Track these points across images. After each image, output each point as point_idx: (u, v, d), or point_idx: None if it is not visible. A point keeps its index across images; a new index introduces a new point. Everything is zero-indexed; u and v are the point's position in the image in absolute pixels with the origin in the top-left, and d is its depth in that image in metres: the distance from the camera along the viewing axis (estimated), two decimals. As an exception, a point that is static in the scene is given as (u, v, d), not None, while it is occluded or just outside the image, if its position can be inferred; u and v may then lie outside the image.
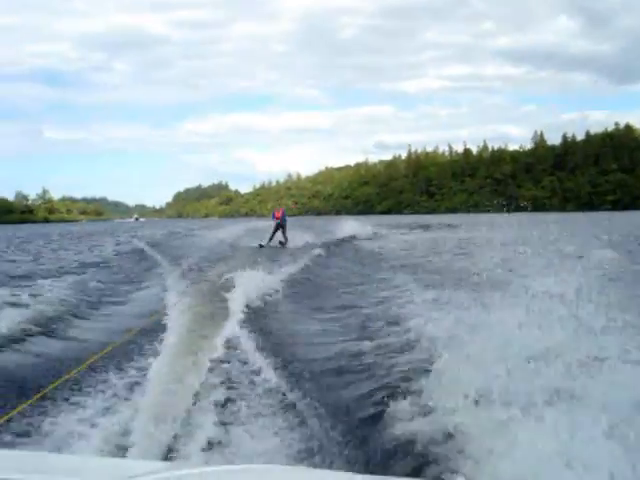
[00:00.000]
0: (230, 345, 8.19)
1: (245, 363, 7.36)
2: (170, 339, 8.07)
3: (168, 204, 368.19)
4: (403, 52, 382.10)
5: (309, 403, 5.77)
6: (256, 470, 1.68)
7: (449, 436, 4.44)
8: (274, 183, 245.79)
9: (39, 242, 44.53)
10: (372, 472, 4.33)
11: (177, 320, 9.28)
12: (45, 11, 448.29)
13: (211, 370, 6.93)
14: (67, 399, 6.15)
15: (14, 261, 26.00)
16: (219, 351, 7.74)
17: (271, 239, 29.52)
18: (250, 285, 12.46)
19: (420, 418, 4.98)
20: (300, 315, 11.45)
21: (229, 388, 6.39)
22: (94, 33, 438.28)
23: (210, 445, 4.86)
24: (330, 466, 4.36)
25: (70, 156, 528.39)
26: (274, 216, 30.51)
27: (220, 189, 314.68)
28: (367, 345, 8.03)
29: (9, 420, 5.41)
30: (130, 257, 26.90)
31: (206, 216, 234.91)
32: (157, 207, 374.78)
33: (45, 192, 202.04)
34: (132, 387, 6.46)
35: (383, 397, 5.71)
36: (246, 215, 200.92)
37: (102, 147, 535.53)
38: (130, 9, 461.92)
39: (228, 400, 5.98)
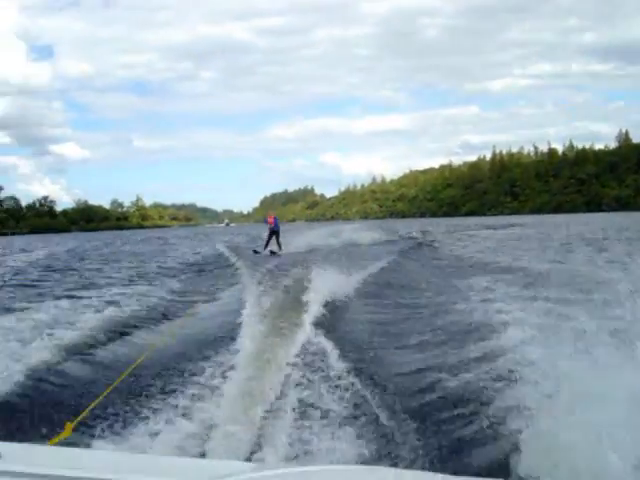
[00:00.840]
0: (308, 346, 8.06)
1: (324, 365, 7.20)
2: (248, 340, 8.14)
3: (255, 209, 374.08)
4: (486, 51, 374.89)
5: (388, 406, 5.66)
6: (339, 471, 1.66)
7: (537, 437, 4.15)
8: (359, 187, 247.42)
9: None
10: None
11: (255, 323, 9.36)
12: (132, 23, 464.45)
13: (289, 371, 6.87)
14: (147, 400, 6.17)
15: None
16: (296, 351, 7.70)
17: (266, 246, 28.55)
18: (329, 285, 12.36)
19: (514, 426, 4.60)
20: (379, 313, 11.15)
21: (307, 389, 6.29)
22: (180, 43, 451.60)
23: (288, 446, 4.81)
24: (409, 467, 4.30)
25: (158, 163, 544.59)
26: (266, 222, 29.97)
27: (306, 193, 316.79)
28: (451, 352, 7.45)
29: (96, 418, 5.48)
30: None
31: (293, 220, 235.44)
32: (244, 212, 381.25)
33: (138, 199, 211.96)
34: (212, 388, 6.45)
35: (467, 400, 5.52)
36: (332, 219, 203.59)
37: (189, 154, 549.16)
38: (214, 18, 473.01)
39: (306, 400, 5.92)
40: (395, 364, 7.34)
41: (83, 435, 5.07)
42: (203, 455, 4.69)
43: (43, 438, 4.79)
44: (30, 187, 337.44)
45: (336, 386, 6.35)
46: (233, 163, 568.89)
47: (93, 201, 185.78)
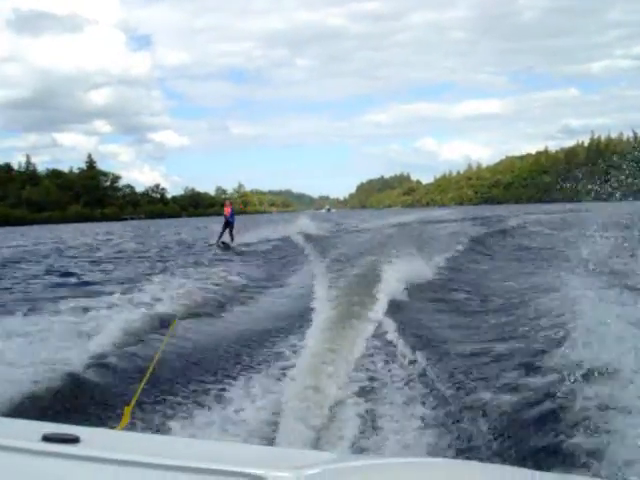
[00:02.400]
0: (379, 335, 8.03)
1: (395, 355, 7.14)
2: (318, 326, 8.15)
3: (351, 195, 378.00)
4: (586, 32, 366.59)
5: (461, 397, 5.52)
6: (423, 463, 1.59)
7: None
8: (454, 173, 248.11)
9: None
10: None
11: (325, 308, 9.42)
12: (229, 12, 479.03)
13: (359, 359, 6.88)
14: (217, 390, 6.14)
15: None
16: (366, 342, 7.63)
17: (220, 237, 27.20)
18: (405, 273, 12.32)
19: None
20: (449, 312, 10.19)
21: (374, 379, 6.24)
22: (276, 31, 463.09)
23: (359, 437, 4.75)
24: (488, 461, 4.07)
25: (254, 150, 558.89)
26: (225, 212, 27.58)
27: (402, 180, 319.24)
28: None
29: (174, 407, 5.53)
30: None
31: (389, 206, 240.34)
32: (341, 198, 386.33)
33: (240, 186, 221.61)
34: (280, 375, 6.51)
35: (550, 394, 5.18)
36: (427, 205, 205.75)
37: (284, 141, 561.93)
38: (310, 5, 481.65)
39: (376, 389, 5.90)
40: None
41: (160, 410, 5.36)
42: (273, 439, 4.64)
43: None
44: (130, 174, 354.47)
45: (408, 376, 6.26)
46: (328, 149, 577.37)
47: (184, 187, 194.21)
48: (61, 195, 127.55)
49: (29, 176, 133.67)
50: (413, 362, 6.76)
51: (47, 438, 1.35)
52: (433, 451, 4.37)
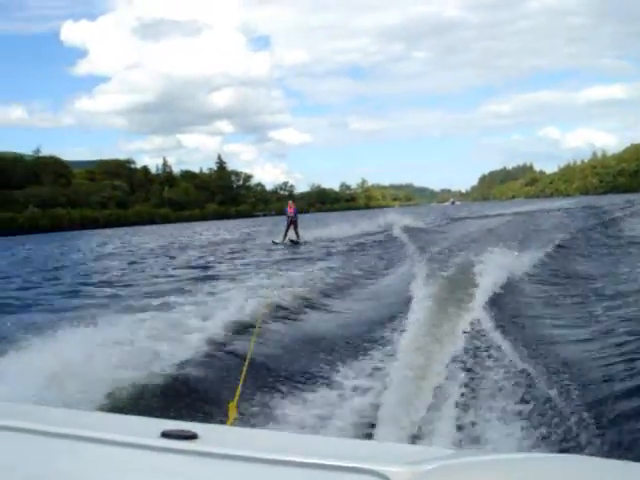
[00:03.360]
0: (477, 329, 7.79)
1: (493, 348, 6.88)
2: (415, 318, 8.10)
3: (473, 187, 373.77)
4: None
5: (565, 392, 5.24)
6: (542, 459, 1.48)
7: None
8: (578, 162, 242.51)
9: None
10: None
11: (423, 300, 9.24)
12: (345, 9, 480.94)
13: (456, 354, 6.62)
14: (317, 382, 6.14)
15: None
16: (463, 336, 7.44)
17: (285, 236, 28.03)
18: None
19: None
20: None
21: (475, 372, 6.03)
22: (391, 25, 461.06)
23: (460, 430, 4.65)
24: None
25: (374, 145, 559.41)
26: (287, 211, 28.96)
27: (525, 170, 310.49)
28: None
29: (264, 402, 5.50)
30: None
31: (512, 198, 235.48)
32: (462, 191, 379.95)
33: (363, 181, 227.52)
34: (379, 368, 6.50)
35: None
36: (551, 195, 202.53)
37: (404, 134, 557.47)
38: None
39: (476, 383, 5.72)
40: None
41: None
42: (373, 433, 4.64)
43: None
44: (253, 172, 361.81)
45: (507, 372, 5.98)
46: (448, 142, 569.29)
47: (306, 184, 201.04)
48: (198, 195, 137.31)
49: (166, 178, 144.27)
50: (514, 356, 6.48)
51: (166, 434, 1.39)
52: (536, 446, 4.23)
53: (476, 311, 8.64)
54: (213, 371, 6.37)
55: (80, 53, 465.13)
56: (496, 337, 7.30)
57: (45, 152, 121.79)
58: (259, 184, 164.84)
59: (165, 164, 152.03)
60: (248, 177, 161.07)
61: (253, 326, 7.51)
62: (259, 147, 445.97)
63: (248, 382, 4.99)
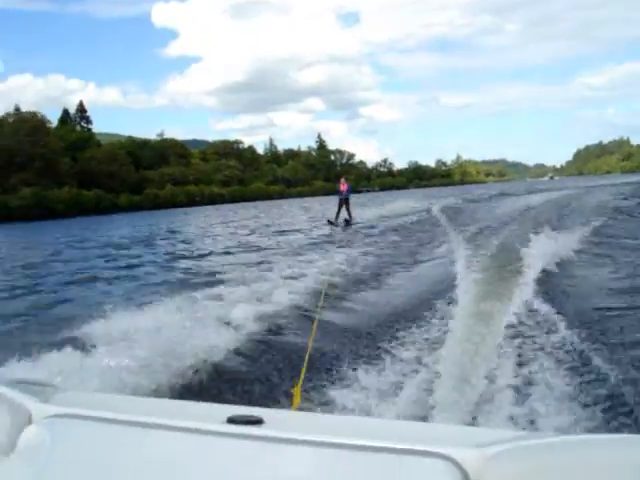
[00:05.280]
0: (527, 307, 7.68)
1: (545, 328, 6.78)
2: (463, 299, 8.16)
3: (568, 162, 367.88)
4: None
5: (619, 370, 5.14)
6: (613, 440, 1.41)
7: None
8: None
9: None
10: None
11: (469, 279, 9.46)
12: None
13: (507, 332, 6.64)
14: (370, 364, 6.00)
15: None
16: (514, 313, 7.36)
17: (337, 216, 26.73)
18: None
19: None
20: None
21: (527, 350, 6.04)
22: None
23: (512, 411, 4.53)
24: None
25: (465, 120, 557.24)
26: (339, 190, 27.31)
27: (621, 144, 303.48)
28: None
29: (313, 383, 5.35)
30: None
31: (607, 173, 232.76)
32: (557, 166, 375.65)
33: (458, 157, 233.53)
34: (431, 348, 6.38)
35: None
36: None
37: (495, 109, 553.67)
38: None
39: (527, 362, 5.67)
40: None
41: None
42: (429, 415, 4.53)
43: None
44: (344, 149, 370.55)
45: (559, 349, 5.95)
46: (541, 116, 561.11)
47: (403, 160, 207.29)
48: (305, 172, 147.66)
49: (273, 156, 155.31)
50: (564, 334, 6.41)
51: (232, 420, 1.41)
52: (591, 426, 4.12)
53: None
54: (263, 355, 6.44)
55: (171, 35, 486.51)
56: (545, 311, 7.47)
57: (139, 133, 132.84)
58: (361, 162, 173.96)
59: (271, 143, 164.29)
60: (351, 155, 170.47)
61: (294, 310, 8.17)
62: (349, 124, 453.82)
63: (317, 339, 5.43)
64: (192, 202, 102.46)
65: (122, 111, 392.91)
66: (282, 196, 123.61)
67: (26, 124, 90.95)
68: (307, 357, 3.40)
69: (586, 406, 4.50)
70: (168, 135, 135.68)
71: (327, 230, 24.23)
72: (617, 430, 4.11)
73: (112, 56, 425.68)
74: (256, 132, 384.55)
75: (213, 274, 12.63)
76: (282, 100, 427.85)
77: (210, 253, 18.77)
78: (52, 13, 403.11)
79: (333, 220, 26.56)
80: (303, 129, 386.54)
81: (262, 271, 11.99)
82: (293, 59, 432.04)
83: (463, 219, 24.35)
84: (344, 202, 26.52)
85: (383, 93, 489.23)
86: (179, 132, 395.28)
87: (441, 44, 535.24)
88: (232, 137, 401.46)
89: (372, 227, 23.57)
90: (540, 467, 1.12)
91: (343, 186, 26.63)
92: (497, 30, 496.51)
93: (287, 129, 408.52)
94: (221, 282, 10.61)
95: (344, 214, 26.48)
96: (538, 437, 1.49)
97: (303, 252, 15.97)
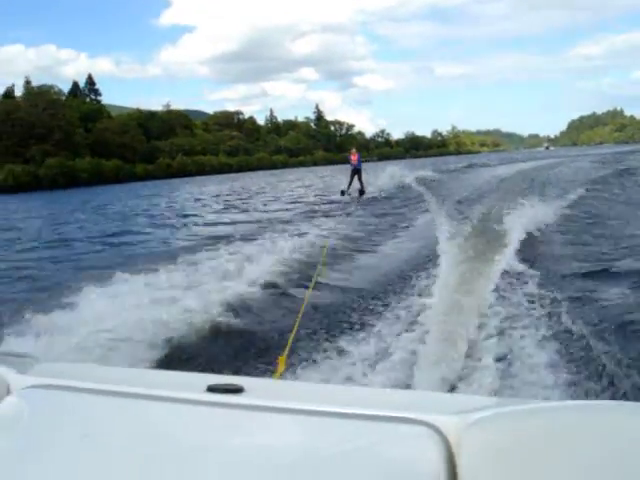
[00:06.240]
0: (508, 276, 7.83)
1: (527, 295, 6.97)
2: (446, 268, 8.25)
3: (562, 133, 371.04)
4: None
5: (598, 337, 5.31)
6: (590, 406, 1.43)
7: None
8: None
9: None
10: None
11: (451, 250, 9.41)
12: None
13: (491, 298, 6.78)
14: (355, 334, 6.10)
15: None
16: (496, 282, 7.49)
17: (349, 186, 26.69)
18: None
19: None
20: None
21: (509, 319, 6.11)
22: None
23: (496, 378, 4.63)
24: None
25: (460, 90, 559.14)
26: (349, 160, 27.28)
27: (615, 115, 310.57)
28: None
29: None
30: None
31: (600, 143, 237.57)
32: (551, 136, 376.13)
33: (454, 128, 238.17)
34: (414, 318, 6.41)
35: None
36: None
37: (491, 79, 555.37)
38: None
39: (509, 330, 5.77)
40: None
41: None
42: (411, 383, 4.62)
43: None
44: (338, 119, 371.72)
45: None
46: (537, 86, 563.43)
47: (397, 130, 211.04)
48: (307, 142, 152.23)
49: (274, 127, 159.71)
50: (547, 302, 6.56)
51: (212, 389, 1.41)
52: (570, 391, 4.24)
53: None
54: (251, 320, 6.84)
55: (164, 4, 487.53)
56: (527, 279, 7.73)
57: (132, 103, 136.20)
58: (359, 132, 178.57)
59: (271, 114, 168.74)
60: (350, 126, 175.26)
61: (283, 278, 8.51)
62: (343, 94, 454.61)
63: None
64: (202, 171, 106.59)
65: (115, 81, 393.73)
66: (286, 165, 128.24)
67: (44, 97, 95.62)
68: (295, 327, 3.47)
69: (568, 373, 4.57)
70: (159, 106, 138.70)
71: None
72: (596, 395, 4.13)
73: (104, 26, 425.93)
74: (250, 102, 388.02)
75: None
76: (276, 70, 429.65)
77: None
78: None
79: (346, 190, 26.56)
80: (296, 99, 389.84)
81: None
82: (287, 28, 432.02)
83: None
84: (356, 172, 26.60)
85: (377, 63, 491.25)
86: (173, 102, 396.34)
87: (436, 13, 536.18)
88: (226, 107, 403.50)
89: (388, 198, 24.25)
90: (520, 433, 1.13)
91: (354, 157, 26.59)
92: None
93: (281, 99, 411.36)
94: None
95: (356, 184, 26.53)
96: (518, 404, 1.47)
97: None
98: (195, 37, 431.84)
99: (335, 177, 41.35)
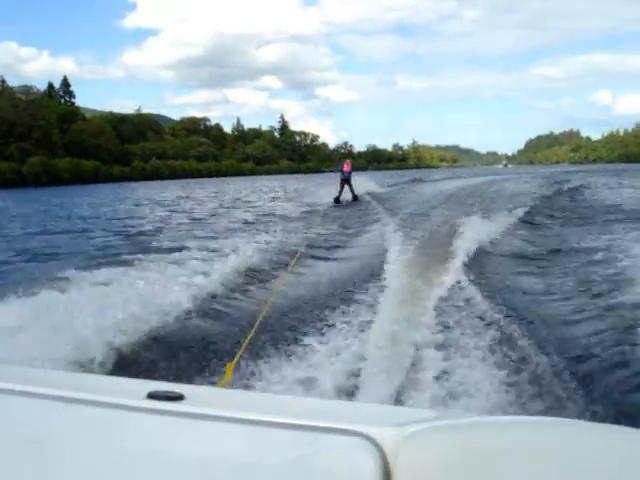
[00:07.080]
0: (455, 288, 8.00)
1: (471, 305, 7.14)
2: (393, 280, 8.35)
3: (519, 151, 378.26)
4: None
5: (542, 353, 5.32)
6: (528, 422, 1.43)
7: None
8: (629, 129, 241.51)
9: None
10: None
11: (398, 258, 9.94)
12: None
13: (436, 311, 6.87)
14: (291, 343, 6.14)
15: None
16: (443, 292, 7.70)
17: (340, 194, 27.46)
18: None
19: None
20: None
21: (451, 328, 6.26)
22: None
23: (439, 392, 4.64)
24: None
25: (421, 104, 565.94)
26: (342, 169, 27.87)
27: (571, 136, 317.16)
28: None
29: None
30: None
31: (557, 163, 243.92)
32: (509, 154, 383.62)
33: (414, 142, 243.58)
34: (359, 331, 6.46)
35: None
36: (593, 162, 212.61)
37: (452, 95, 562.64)
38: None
39: (454, 344, 5.77)
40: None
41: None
42: (355, 395, 4.70)
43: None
44: (298, 129, 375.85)
45: (481, 322, 6.34)
46: (497, 104, 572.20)
47: (357, 142, 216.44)
48: (273, 151, 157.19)
49: (240, 135, 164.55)
50: (491, 317, 6.58)
51: (152, 396, 1.39)
52: (514, 409, 4.25)
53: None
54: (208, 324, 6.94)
55: (129, 6, 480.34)
56: (473, 294, 7.67)
57: (94, 104, 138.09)
58: (323, 143, 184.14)
59: (238, 122, 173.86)
60: (315, 137, 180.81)
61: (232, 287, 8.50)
62: (305, 104, 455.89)
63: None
64: (174, 176, 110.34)
65: (76, 81, 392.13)
66: (253, 173, 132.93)
67: (24, 97, 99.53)
68: (248, 337, 3.62)
69: (510, 385, 4.65)
70: (120, 109, 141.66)
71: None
72: (538, 412, 4.13)
73: (67, 26, 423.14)
74: (212, 108, 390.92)
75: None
76: (238, 77, 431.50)
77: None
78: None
79: (338, 198, 27.38)
80: (259, 106, 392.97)
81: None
82: (252, 36, 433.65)
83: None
84: (346, 182, 27.56)
85: (341, 74, 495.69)
86: (134, 105, 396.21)
87: (401, 28, 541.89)
88: (189, 112, 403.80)
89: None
90: (457, 447, 1.12)
91: (347, 167, 27.54)
92: (457, 16, 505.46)
93: (243, 106, 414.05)
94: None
95: (346, 192, 27.68)
96: (458, 417, 1.53)
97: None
98: (159, 40, 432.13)
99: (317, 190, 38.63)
